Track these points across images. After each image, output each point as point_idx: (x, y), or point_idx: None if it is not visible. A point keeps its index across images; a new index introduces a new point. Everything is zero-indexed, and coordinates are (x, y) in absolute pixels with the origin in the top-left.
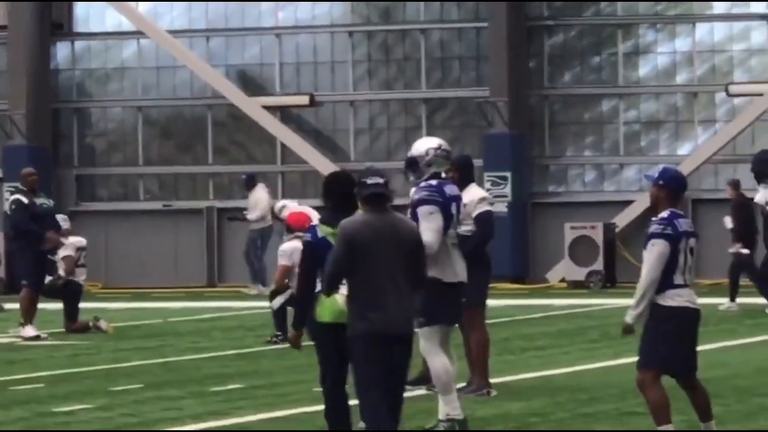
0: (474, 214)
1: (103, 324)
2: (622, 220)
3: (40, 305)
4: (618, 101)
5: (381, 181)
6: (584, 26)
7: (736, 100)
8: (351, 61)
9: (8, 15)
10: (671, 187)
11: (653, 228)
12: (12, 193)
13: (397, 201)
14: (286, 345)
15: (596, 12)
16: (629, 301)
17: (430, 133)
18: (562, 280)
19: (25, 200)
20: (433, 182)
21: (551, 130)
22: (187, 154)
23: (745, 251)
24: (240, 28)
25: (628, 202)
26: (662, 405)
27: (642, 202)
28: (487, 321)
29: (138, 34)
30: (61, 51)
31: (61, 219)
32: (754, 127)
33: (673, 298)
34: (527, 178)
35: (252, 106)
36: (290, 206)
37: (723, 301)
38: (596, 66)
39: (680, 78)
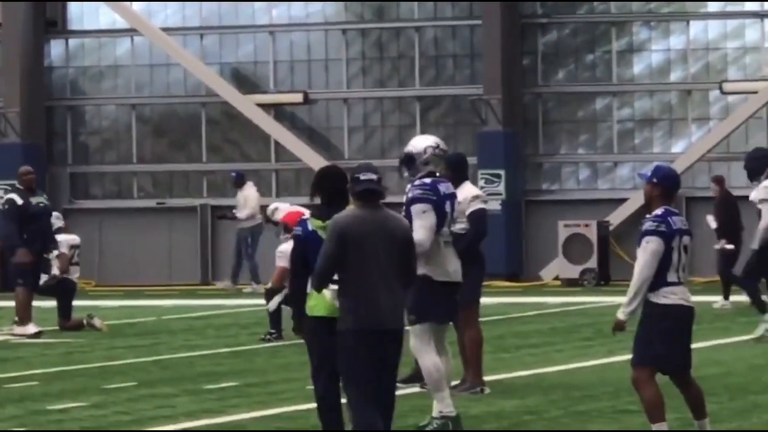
0: (467, 212)
1: (96, 322)
2: (616, 217)
3: (34, 303)
4: (612, 99)
5: (374, 177)
6: (578, 24)
7: (730, 98)
8: (345, 58)
9: (2, 12)
10: (665, 184)
11: (647, 225)
12: (7, 191)
13: (392, 199)
14: (280, 343)
15: (590, 10)
16: (623, 299)
17: (423, 131)
18: (556, 278)
19: (19, 201)
20: (428, 180)
21: (545, 127)
22: (181, 152)
23: (730, 247)
24: (234, 26)
25: (622, 200)
26: (657, 403)
27: (636, 199)
28: (481, 319)
29: (132, 31)
30: (55, 49)
31: (55, 217)
32: (748, 124)
33: (667, 296)
34: (521, 176)
35: (246, 104)
36: (282, 208)
37: (717, 299)
38: (590, 64)
39: (674, 76)
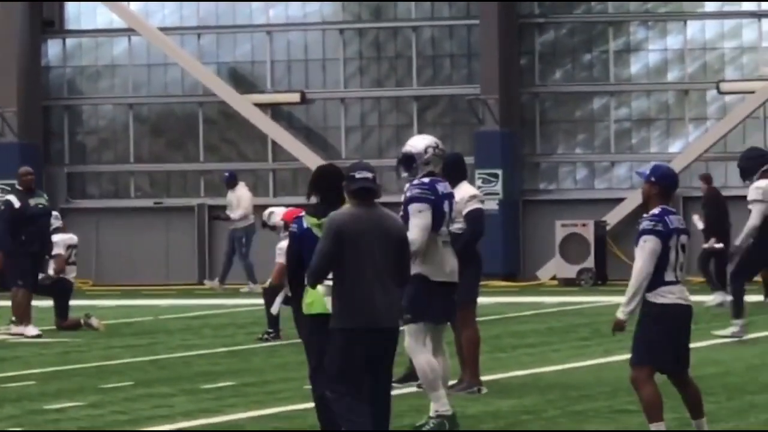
0: (464, 212)
1: (93, 321)
2: (613, 217)
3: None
4: (609, 99)
5: (369, 175)
6: (575, 24)
7: (727, 98)
8: (342, 58)
9: None
10: (662, 184)
11: (644, 225)
12: (7, 192)
13: (390, 198)
14: (277, 342)
15: (587, 10)
16: (620, 299)
17: (421, 131)
18: (553, 278)
19: (16, 203)
20: (426, 180)
21: (542, 127)
22: (178, 152)
23: (719, 245)
24: (231, 26)
25: (619, 200)
26: (655, 403)
27: (633, 199)
28: (478, 318)
29: (129, 31)
30: (52, 48)
31: (54, 217)
32: (745, 124)
33: (664, 296)
34: (518, 176)
35: (243, 104)
36: (278, 212)
37: (710, 298)
38: (587, 63)
39: (671, 75)
